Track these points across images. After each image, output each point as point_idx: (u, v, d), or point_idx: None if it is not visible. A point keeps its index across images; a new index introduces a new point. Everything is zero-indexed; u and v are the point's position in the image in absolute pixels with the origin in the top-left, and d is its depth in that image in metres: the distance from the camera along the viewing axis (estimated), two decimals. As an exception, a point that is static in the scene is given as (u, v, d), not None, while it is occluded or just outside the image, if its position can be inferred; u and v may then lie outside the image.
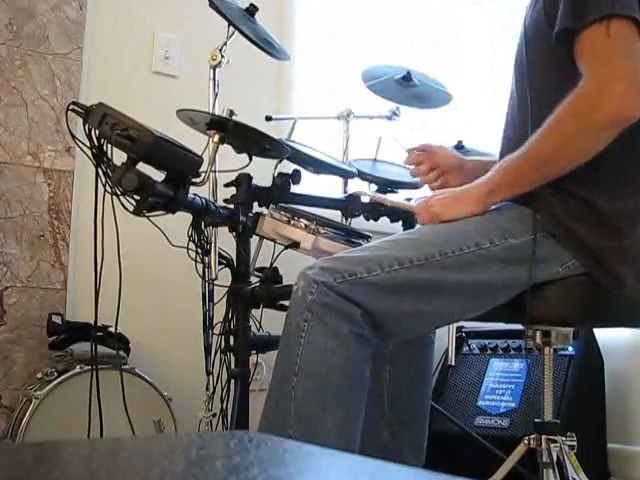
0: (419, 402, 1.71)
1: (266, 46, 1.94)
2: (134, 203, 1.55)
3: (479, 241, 1.37)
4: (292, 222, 1.69)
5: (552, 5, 1.38)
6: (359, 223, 2.15)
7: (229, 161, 1.86)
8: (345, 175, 2.26)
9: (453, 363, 2.44)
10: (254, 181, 1.88)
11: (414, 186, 2.26)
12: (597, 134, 1.31)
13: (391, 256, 1.35)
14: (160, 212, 1.60)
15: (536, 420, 1.56)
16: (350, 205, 2.11)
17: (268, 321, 1.92)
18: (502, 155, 1.51)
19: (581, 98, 1.30)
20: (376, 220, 2.16)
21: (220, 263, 1.82)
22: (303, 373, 1.29)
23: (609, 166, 1.38)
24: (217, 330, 1.86)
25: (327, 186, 2.34)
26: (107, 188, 1.54)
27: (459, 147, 2.36)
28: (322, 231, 1.66)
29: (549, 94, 1.37)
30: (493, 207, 1.46)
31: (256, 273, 1.86)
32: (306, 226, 1.67)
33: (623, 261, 1.38)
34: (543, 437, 1.53)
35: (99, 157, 1.54)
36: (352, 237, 1.70)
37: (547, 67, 1.43)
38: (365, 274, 1.32)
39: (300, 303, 1.32)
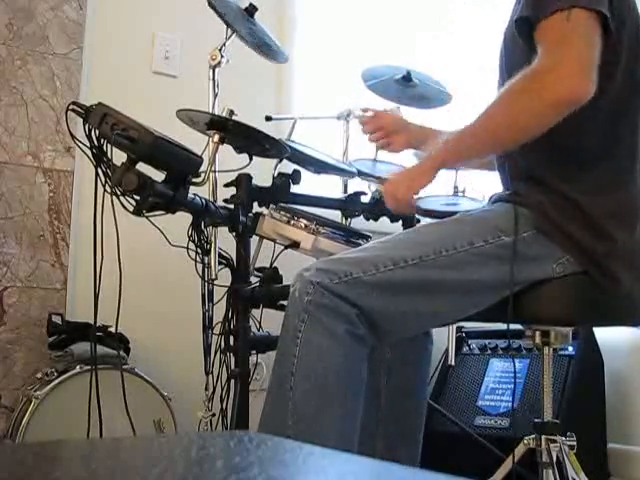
0: (415, 415, 1.71)
1: (264, 48, 1.94)
2: (134, 203, 1.55)
3: (473, 240, 1.38)
4: (292, 222, 1.69)
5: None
6: (359, 223, 2.15)
7: (229, 161, 1.86)
8: (345, 175, 2.26)
9: (453, 363, 2.44)
10: (254, 181, 1.88)
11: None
12: (542, 113, 1.32)
13: (386, 256, 1.35)
14: (160, 212, 1.60)
15: (536, 420, 1.57)
16: (350, 205, 2.11)
17: (268, 321, 1.92)
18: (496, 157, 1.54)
19: (531, 77, 1.32)
20: (376, 220, 2.16)
21: (220, 263, 1.82)
22: (301, 373, 1.30)
23: (590, 165, 1.40)
24: (217, 330, 1.86)
25: (327, 186, 2.34)
26: (107, 188, 1.54)
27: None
28: (322, 231, 1.66)
29: None
30: (487, 207, 1.47)
31: (256, 273, 1.86)
32: (306, 226, 1.67)
33: (616, 260, 1.39)
34: (543, 437, 1.53)
35: (99, 157, 1.54)
36: (352, 237, 1.70)
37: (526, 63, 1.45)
38: (361, 274, 1.33)
39: (297, 304, 1.33)
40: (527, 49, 1.38)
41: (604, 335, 2.39)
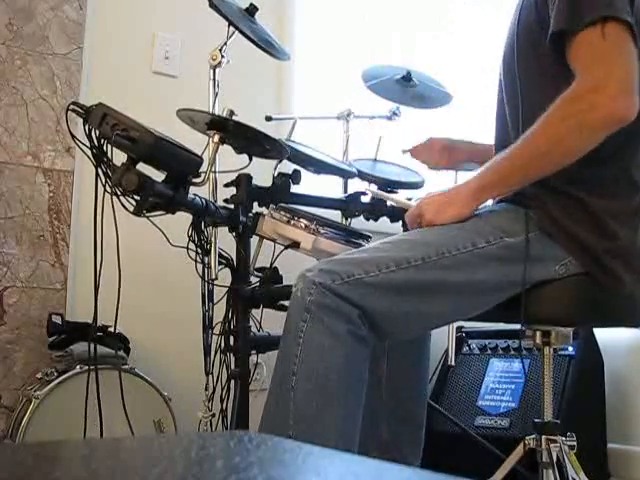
0: (417, 396, 1.71)
1: (266, 46, 1.94)
2: (134, 203, 1.55)
3: (475, 240, 1.38)
4: (292, 222, 1.69)
5: (543, 5, 1.39)
6: (359, 223, 2.15)
7: (229, 161, 1.86)
8: (345, 175, 2.26)
9: (453, 363, 2.44)
10: (254, 181, 1.88)
11: (414, 186, 2.26)
12: (592, 133, 1.32)
13: (389, 257, 1.35)
14: (160, 212, 1.60)
15: (536, 420, 1.56)
16: (350, 205, 2.11)
17: (268, 321, 1.92)
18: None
19: (577, 98, 1.31)
20: (376, 220, 2.16)
21: (220, 263, 1.82)
22: (302, 373, 1.30)
23: (597, 166, 1.39)
24: (217, 330, 1.86)
25: (327, 186, 2.34)
26: (107, 188, 1.54)
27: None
28: (322, 231, 1.66)
29: (540, 94, 1.38)
30: (489, 208, 1.47)
31: (256, 273, 1.86)
32: (306, 226, 1.66)
33: (618, 258, 1.39)
34: (543, 437, 1.53)
35: (99, 157, 1.54)
36: (352, 237, 1.70)
37: (538, 67, 1.44)
38: (363, 275, 1.33)
39: (299, 304, 1.33)
40: (551, 57, 1.38)
41: (604, 335, 2.39)
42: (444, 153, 1.87)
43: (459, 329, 2.59)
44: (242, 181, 1.86)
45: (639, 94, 1.29)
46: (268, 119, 2.27)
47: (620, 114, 1.29)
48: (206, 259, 1.79)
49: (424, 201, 1.47)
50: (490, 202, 1.58)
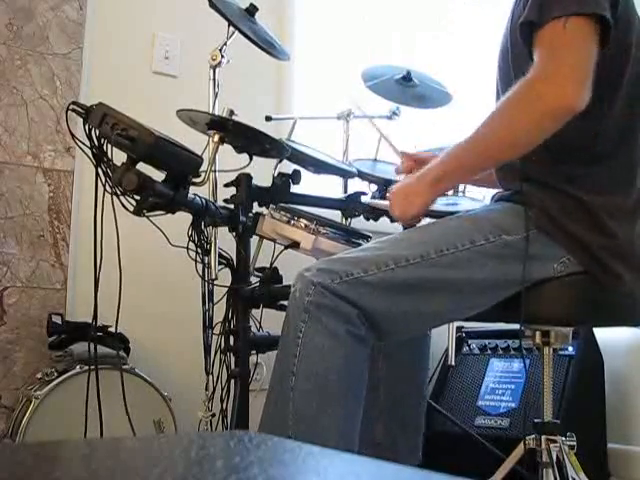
0: (415, 400, 1.71)
1: (266, 46, 1.94)
2: (134, 203, 1.55)
3: (474, 238, 1.38)
4: (292, 222, 1.69)
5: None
6: (359, 223, 2.15)
7: (229, 161, 1.86)
8: (345, 175, 2.26)
9: (453, 363, 2.44)
10: (254, 181, 1.88)
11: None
12: (539, 123, 1.31)
13: (387, 255, 1.35)
14: (160, 212, 1.60)
15: (536, 420, 1.56)
16: (350, 205, 2.11)
17: (268, 321, 1.92)
18: None
19: (527, 87, 1.31)
20: (376, 220, 2.16)
21: (220, 263, 1.82)
22: (301, 374, 1.30)
23: (594, 164, 1.40)
24: (217, 330, 1.86)
25: (327, 186, 2.34)
26: (107, 188, 1.54)
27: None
28: (322, 231, 1.66)
29: None
30: (487, 206, 1.47)
31: (256, 273, 1.86)
32: (306, 226, 1.66)
33: (617, 256, 1.39)
34: (543, 437, 1.53)
35: (99, 157, 1.54)
36: (352, 237, 1.70)
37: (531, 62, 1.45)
38: (362, 274, 1.32)
39: (298, 304, 1.32)
40: (528, 51, 1.38)
41: (604, 335, 2.39)
42: None
43: (459, 329, 2.59)
44: (242, 181, 1.86)
45: (591, 87, 1.27)
46: (268, 119, 2.27)
47: (566, 104, 1.27)
48: (206, 259, 1.79)
49: (391, 193, 1.47)
50: (488, 201, 1.58)
